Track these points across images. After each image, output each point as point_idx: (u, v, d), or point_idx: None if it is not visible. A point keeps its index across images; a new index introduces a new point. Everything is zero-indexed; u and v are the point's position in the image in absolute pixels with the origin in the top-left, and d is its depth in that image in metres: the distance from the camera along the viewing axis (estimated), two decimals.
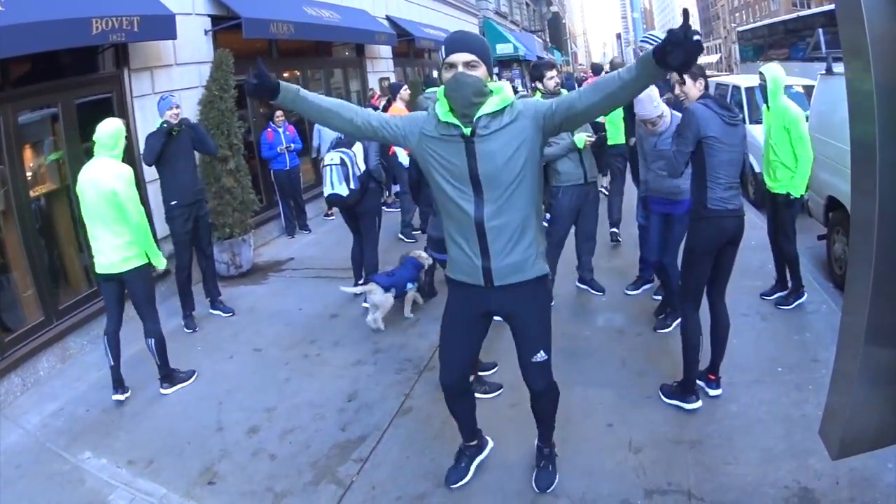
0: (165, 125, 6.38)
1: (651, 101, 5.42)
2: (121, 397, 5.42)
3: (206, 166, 8.37)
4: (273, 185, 10.57)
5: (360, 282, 7.04)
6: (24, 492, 4.29)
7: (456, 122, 3.00)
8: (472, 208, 3.09)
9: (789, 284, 6.36)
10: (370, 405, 5.04)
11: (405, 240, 9.43)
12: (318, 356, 6.02)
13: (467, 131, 2.99)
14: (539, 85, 6.54)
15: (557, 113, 2.96)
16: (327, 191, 6.58)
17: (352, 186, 6.46)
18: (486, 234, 3.12)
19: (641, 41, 6.99)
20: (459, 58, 2.92)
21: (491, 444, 4.17)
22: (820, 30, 19.20)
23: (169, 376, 5.57)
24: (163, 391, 5.51)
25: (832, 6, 19.81)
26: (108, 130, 5.19)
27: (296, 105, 3.05)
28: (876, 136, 1.94)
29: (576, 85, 24.31)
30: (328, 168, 6.53)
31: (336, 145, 6.67)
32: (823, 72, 7.98)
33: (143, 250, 5.29)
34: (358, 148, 6.59)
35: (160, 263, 5.44)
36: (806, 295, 6.23)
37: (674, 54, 2.42)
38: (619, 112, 6.41)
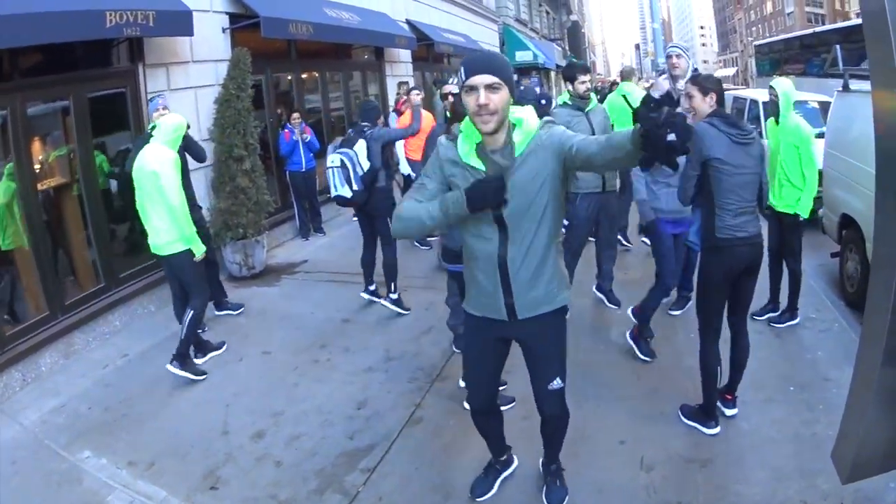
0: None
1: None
2: (199, 361, 5.90)
3: (222, 165, 8.40)
4: (288, 186, 10.54)
5: None
6: (18, 490, 4.23)
7: (479, 165, 2.93)
8: (497, 246, 3.02)
9: (781, 303, 6.33)
10: (380, 414, 4.96)
11: (420, 247, 9.36)
12: (329, 361, 5.94)
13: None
14: (570, 86, 6.48)
15: (578, 157, 2.80)
16: (333, 193, 6.59)
17: (355, 187, 6.42)
18: (508, 271, 3.05)
19: (668, 52, 6.91)
20: (481, 80, 2.77)
21: (516, 462, 4.11)
22: (837, 46, 19.18)
23: (182, 357, 5.60)
24: (169, 368, 5.54)
25: (848, 23, 20.11)
26: (173, 123, 5.62)
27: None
28: None
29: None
30: (329, 171, 6.54)
31: (340, 145, 6.64)
32: (840, 88, 7.88)
33: (181, 235, 5.48)
34: (360, 146, 6.52)
35: (198, 250, 5.61)
36: (799, 318, 6.20)
37: (649, 156, 2.33)
38: None
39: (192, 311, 5.59)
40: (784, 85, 6.09)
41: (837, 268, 7.34)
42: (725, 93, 4.64)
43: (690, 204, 4.62)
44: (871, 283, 2.26)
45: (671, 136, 2.17)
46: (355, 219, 7.54)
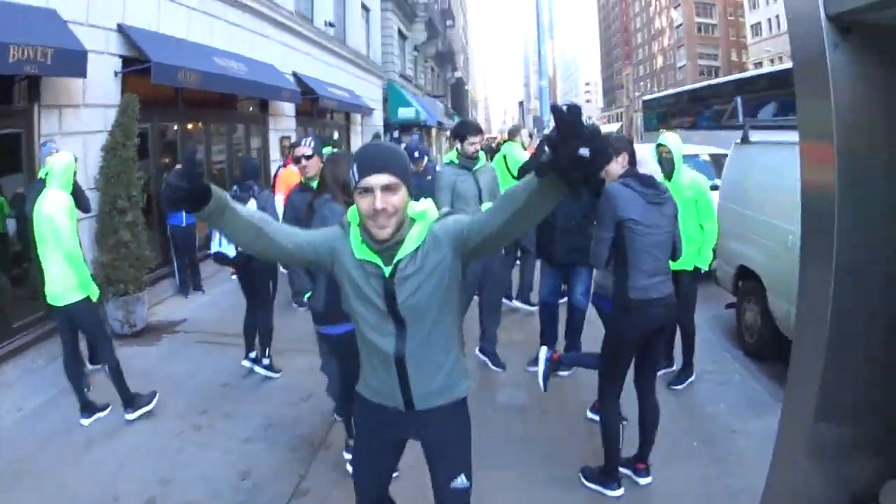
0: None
1: (652, 161, 4.96)
2: (85, 421, 6.02)
3: (105, 217, 8.50)
4: (169, 240, 10.64)
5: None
6: None
7: (376, 260, 2.72)
8: (392, 342, 2.81)
9: (675, 359, 6.63)
10: (263, 485, 5.06)
11: (297, 308, 9.06)
12: (211, 427, 6.07)
13: (387, 272, 2.72)
14: (458, 145, 6.60)
15: (471, 238, 2.62)
16: (214, 248, 6.68)
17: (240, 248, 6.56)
18: (406, 367, 2.84)
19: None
20: (377, 180, 2.55)
21: None
22: (739, 98, 20.04)
23: (130, 401, 5.98)
24: (127, 416, 5.98)
25: (742, 75, 21.26)
26: (61, 165, 5.77)
27: (223, 220, 2.52)
28: (836, 198, 2.03)
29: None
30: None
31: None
32: (738, 140, 8.31)
33: (80, 281, 5.68)
34: (251, 206, 6.49)
35: (93, 294, 5.84)
36: (695, 374, 6.49)
37: (566, 170, 1.99)
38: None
39: (107, 366, 5.92)
40: (675, 140, 6.29)
41: (733, 318, 7.83)
42: (634, 154, 4.74)
43: (604, 268, 4.66)
44: (798, 332, 2.31)
45: (583, 150, 1.91)
46: (234, 277, 7.67)
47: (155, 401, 6.18)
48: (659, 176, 4.94)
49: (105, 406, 6.23)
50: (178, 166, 2.80)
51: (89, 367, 7.09)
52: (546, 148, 1.99)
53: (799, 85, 2.19)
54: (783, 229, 6.70)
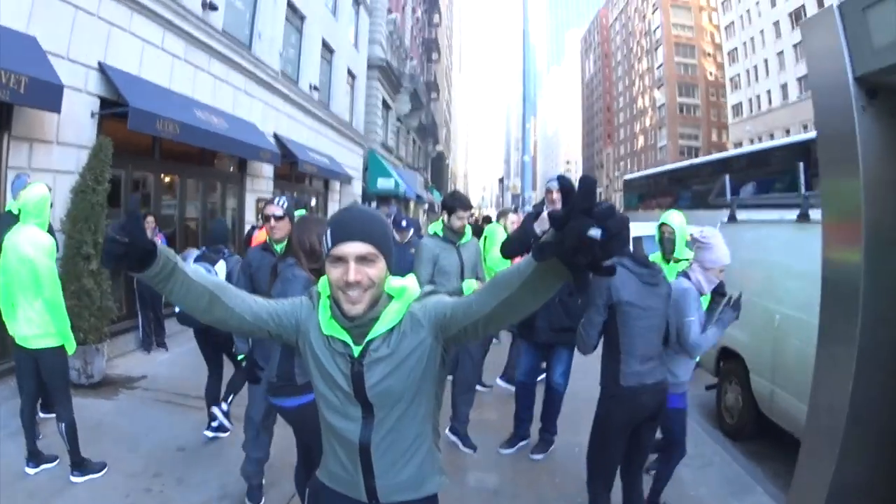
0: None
1: (723, 245, 4.71)
2: (31, 471, 5.80)
3: (69, 262, 8.33)
4: (135, 293, 10.46)
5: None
6: None
7: (345, 338, 2.46)
8: (358, 429, 2.54)
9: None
10: None
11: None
12: (162, 493, 5.78)
13: (357, 352, 2.46)
14: (446, 217, 6.50)
15: (453, 323, 2.37)
16: (178, 307, 6.42)
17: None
18: (371, 456, 2.55)
19: (548, 186, 6.61)
20: (353, 249, 2.30)
21: None
22: (726, 177, 20.39)
23: (80, 464, 5.72)
24: (73, 479, 5.70)
25: (730, 153, 21.63)
26: (34, 198, 5.48)
27: (171, 284, 2.24)
28: (861, 272, 1.98)
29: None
30: None
31: (197, 259, 6.57)
32: (725, 219, 8.28)
33: (58, 329, 5.51)
34: (220, 267, 6.46)
35: (70, 347, 5.70)
36: None
37: (571, 253, 1.67)
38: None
39: (63, 424, 5.63)
40: (679, 220, 6.13)
41: (711, 400, 7.77)
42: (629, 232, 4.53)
43: (591, 353, 4.44)
44: (811, 424, 2.27)
45: (594, 231, 1.61)
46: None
47: (104, 471, 5.90)
48: (727, 261, 4.71)
49: (53, 458, 6.02)
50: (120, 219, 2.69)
51: (41, 415, 6.86)
52: (548, 225, 1.69)
53: (824, 158, 2.13)
54: (769, 309, 6.76)
